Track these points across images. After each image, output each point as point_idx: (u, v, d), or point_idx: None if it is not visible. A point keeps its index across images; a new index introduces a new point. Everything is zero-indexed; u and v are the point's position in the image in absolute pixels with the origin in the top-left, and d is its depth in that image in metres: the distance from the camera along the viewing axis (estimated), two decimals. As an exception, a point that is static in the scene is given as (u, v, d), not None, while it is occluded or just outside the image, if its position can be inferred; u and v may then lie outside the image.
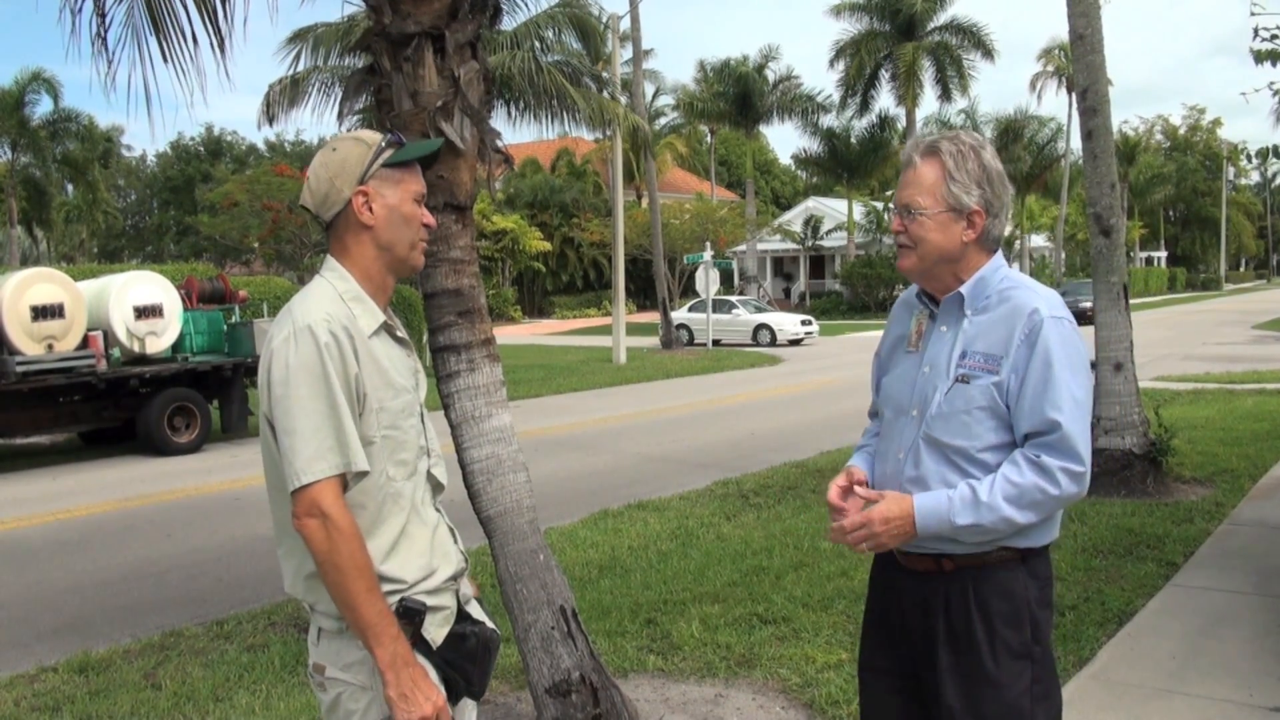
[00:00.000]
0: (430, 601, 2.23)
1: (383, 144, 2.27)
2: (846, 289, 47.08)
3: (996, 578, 2.36)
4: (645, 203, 37.12)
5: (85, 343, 13.11)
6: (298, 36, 18.74)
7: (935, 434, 2.39)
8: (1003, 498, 2.26)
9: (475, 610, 2.41)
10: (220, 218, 39.47)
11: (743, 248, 46.27)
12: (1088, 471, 2.26)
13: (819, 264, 52.63)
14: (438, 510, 2.38)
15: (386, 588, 2.16)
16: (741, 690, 4.69)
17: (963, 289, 2.41)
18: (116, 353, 13.78)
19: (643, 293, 48.54)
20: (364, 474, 2.14)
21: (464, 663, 2.29)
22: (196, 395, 14.13)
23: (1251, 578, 5.93)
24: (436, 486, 2.39)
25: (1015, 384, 2.29)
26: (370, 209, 2.24)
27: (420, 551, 2.25)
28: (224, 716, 4.81)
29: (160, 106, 4.57)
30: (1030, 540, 2.36)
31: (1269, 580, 5.86)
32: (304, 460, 2.08)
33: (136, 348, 13.75)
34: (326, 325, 2.13)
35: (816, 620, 5.50)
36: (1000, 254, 2.45)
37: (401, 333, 2.33)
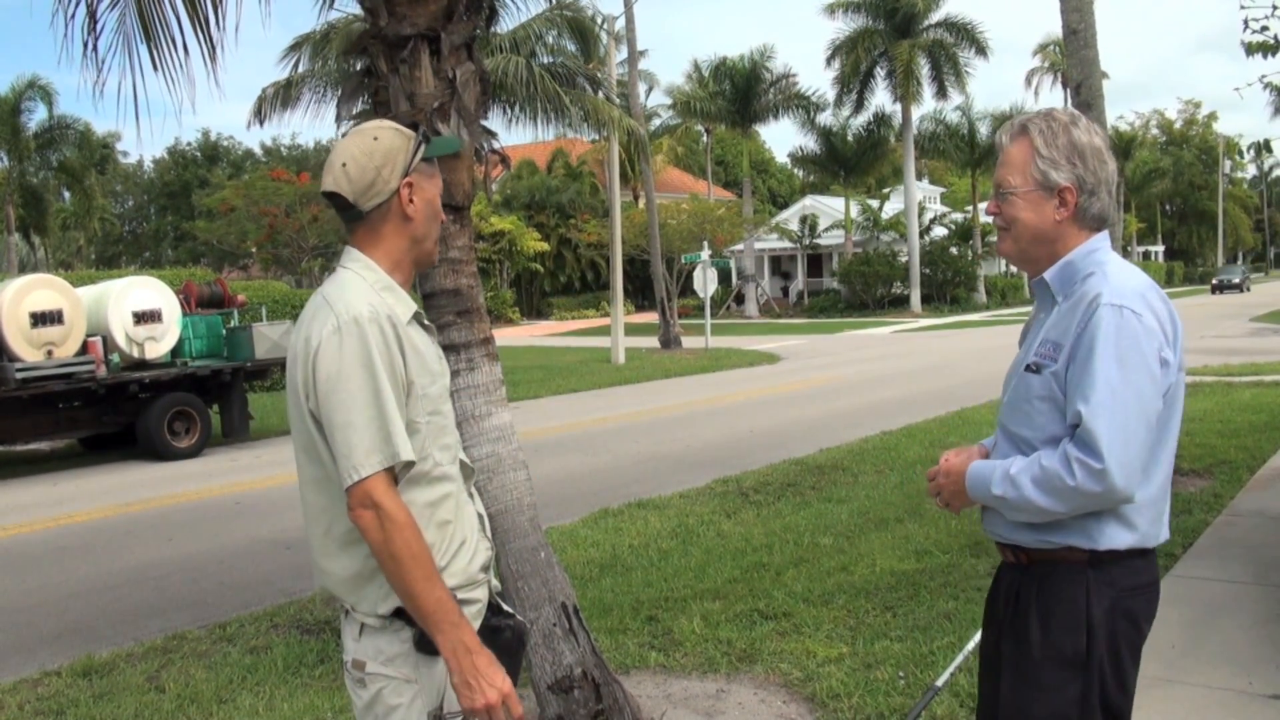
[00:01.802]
0: (462, 595, 2.23)
1: (419, 137, 2.28)
2: (844, 287, 47.08)
3: (1058, 579, 2.30)
4: (642, 203, 37.13)
5: (84, 349, 13.12)
6: (296, 46, 18.78)
7: (1005, 422, 2.39)
8: (1029, 477, 2.22)
9: (503, 603, 2.42)
10: (217, 223, 39.48)
11: (740, 247, 46.22)
12: (1110, 471, 2.12)
13: (816, 262, 52.62)
14: (471, 496, 2.38)
15: None
16: (743, 685, 4.71)
17: (1046, 274, 2.35)
18: (116, 358, 13.80)
19: (641, 293, 48.54)
20: (411, 464, 2.13)
21: (499, 656, 2.27)
22: (196, 400, 14.15)
23: (1250, 567, 5.95)
24: (466, 472, 2.39)
25: (1070, 373, 2.23)
26: (412, 201, 2.25)
27: (458, 539, 2.26)
28: (227, 718, 4.84)
29: (149, 114, 4.57)
30: (1094, 542, 2.25)
31: (1268, 570, 5.88)
32: (361, 454, 2.07)
33: (136, 353, 13.76)
34: (373, 316, 2.13)
35: (817, 615, 5.53)
36: (1102, 235, 2.36)
37: (426, 320, 2.34)
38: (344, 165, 2.23)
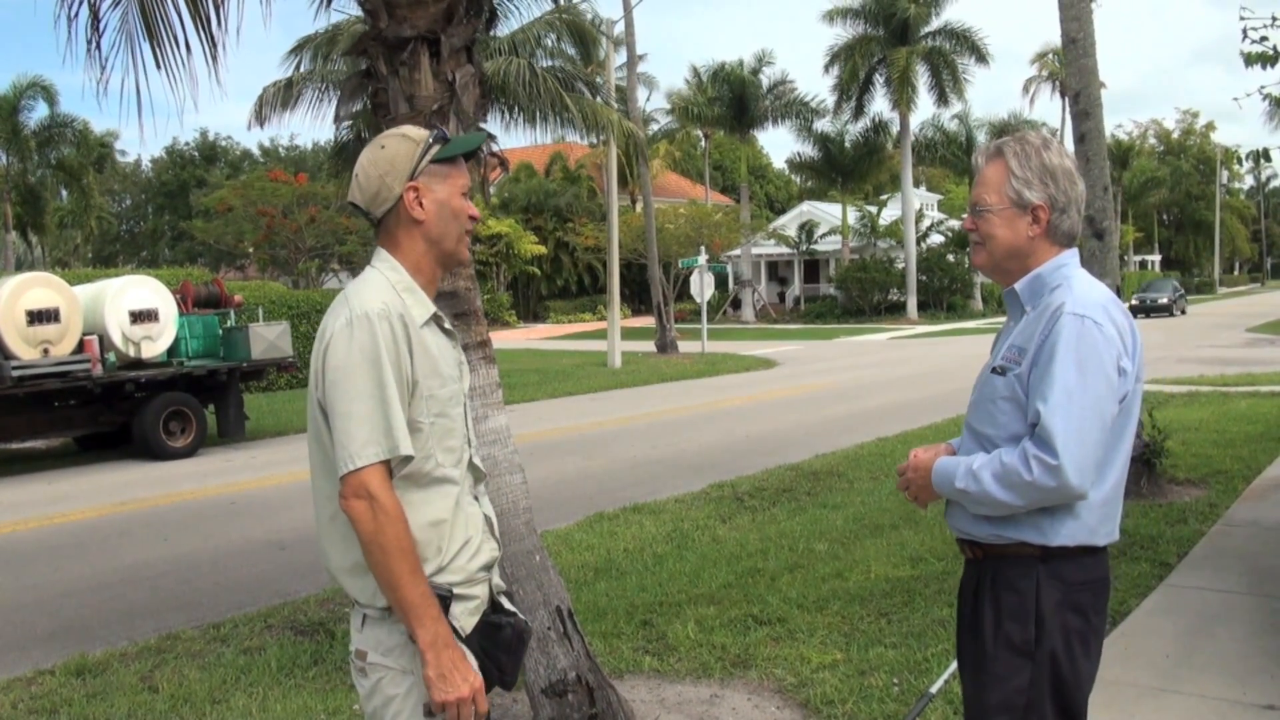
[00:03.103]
0: (460, 590, 2.26)
1: (430, 140, 2.33)
2: (841, 293, 47.11)
3: (1009, 571, 2.43)
4: (640, 207, 37.16)
5: (81, 347, 13.11)
6: (299, 47, 18.78)
7: (970, 420, 2.53)
8: (989, 472, 2.34)
9: (507, 602, 2.45)
10: (215, 223, 39.54)
11: (737, 252, 46.30)
12: (1065, 468, 2.24)
13: (813, 268, 52.66)
14: (477, 499, 2.41)
15: (427, 569, 2.20)
16: (737, 690, 4.71)
17: (1016, 285, 2.50)
18: (112, 357, 13.79)
19: (637, 297, 48.58)
20: (409, 459, 2.18)
21: (498, 652, 2.33)
22: (192, 400, 14.14)
23: (1245, 578, 5.96)
24: (477, 475, 2.43)
25: (1032, 376, 2.36)
26: (420, 204, 2.31)
27: (460, 538, 2.29)
28: (220, 719, 4.82)
29: (153, 113, 4.58)
30: (1046, 537, 2.37)
31: (1262, 580, 5.88)
32: (358, 444, 2.12)
33: (132, 352, 13.75)
34: (383, 313, 2.19)
35: (811, 621, 5.52)
36: (1071, 252, 2.50)
37: (448, 324, 2.38)
38: (356, 176, 2.34)
